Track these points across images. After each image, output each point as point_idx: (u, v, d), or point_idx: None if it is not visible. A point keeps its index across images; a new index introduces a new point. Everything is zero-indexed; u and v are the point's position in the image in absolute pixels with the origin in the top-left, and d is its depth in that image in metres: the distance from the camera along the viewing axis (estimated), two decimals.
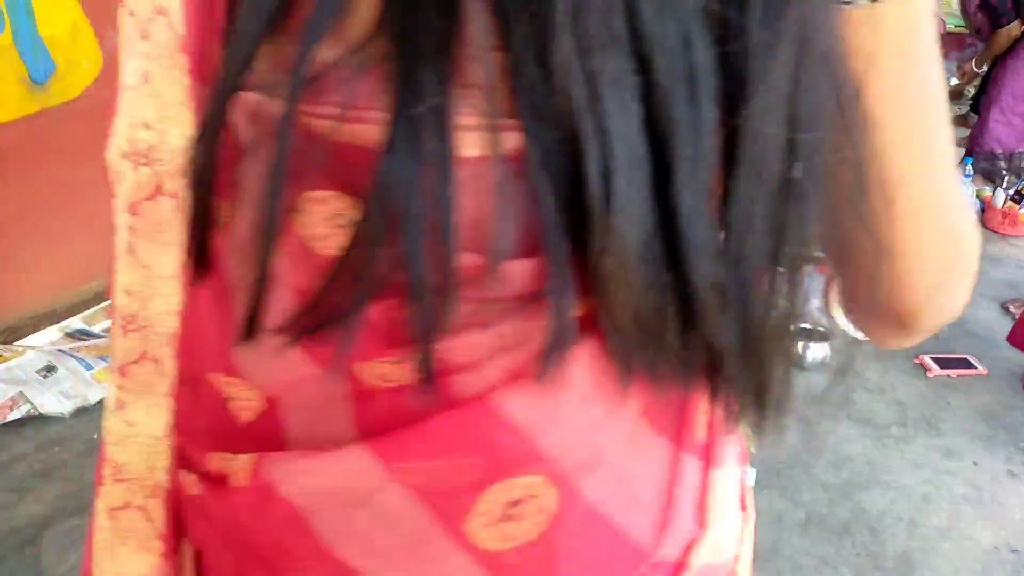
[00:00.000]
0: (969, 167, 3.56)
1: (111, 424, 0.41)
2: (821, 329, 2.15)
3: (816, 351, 2.10)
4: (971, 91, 3.98)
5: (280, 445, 0.37)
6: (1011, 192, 3.31)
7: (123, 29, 0.37)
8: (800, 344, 2.10)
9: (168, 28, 0.35)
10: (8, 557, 1.51)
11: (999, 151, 3.53)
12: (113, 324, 0.41)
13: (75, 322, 2.27)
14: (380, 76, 0.29)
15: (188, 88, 0.35)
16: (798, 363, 2.10)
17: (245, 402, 0.38)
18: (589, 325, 0.33)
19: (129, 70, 0.37)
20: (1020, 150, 3.52)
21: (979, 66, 3.53)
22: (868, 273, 0.35)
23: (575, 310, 0.32)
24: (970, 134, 3.66)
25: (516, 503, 0.34)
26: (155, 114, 0.36)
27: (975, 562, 1.62)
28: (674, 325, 0.32)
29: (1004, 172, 3.53)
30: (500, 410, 0.33)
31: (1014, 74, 3.41)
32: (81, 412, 1.91)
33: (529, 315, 0.33)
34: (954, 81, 3.70)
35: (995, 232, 3.34)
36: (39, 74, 2.04)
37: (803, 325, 2.14)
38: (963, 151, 3.64)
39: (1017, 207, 3.27)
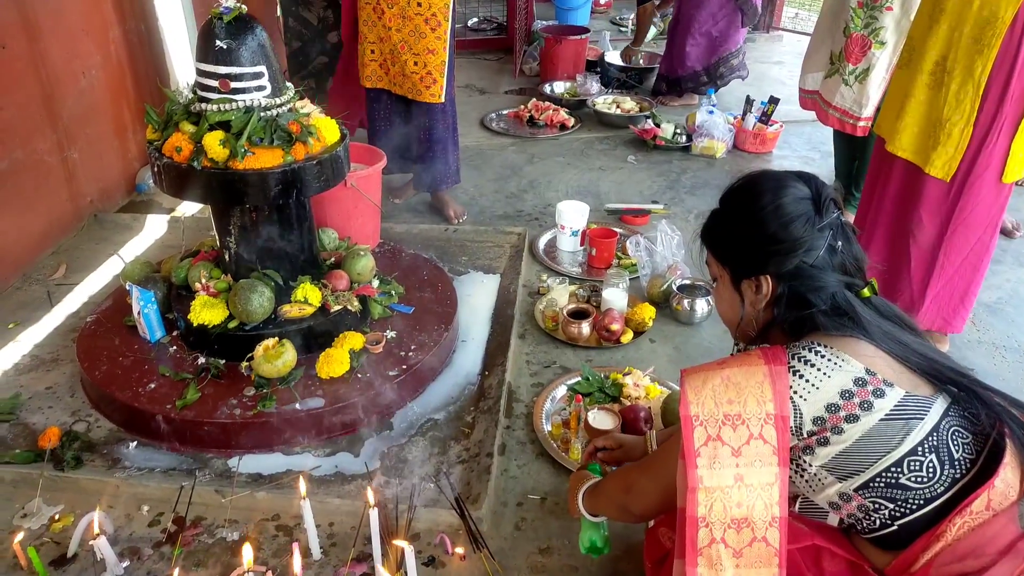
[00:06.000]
0: (714, 97, 4.02)
1: None
2: (701, 284, 2.35)
3: (701, 306, 2.29)
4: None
5: None
6: (758, 116, 3.81)
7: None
8: (686, 301, 2.28)
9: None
10: None
11: (699, 68, 4.42)
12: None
13: None
14: None
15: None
16: (688, 319, 2.28)
17: None
18: None
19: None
20: (712, 61, 4.40)
21: (662, 7, 4.55)
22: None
23: None
24: (671, 62, 4.49)
25: None
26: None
27: None
28: None
29: (706, 84, 4.40)
30: None
31: (695, 5, 4.24)
32: None
33: None
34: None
35: (748, 152, 3.84)
36: None
37: (686, 283, 2.31)
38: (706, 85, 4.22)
39: (765, 128, 3.78)
